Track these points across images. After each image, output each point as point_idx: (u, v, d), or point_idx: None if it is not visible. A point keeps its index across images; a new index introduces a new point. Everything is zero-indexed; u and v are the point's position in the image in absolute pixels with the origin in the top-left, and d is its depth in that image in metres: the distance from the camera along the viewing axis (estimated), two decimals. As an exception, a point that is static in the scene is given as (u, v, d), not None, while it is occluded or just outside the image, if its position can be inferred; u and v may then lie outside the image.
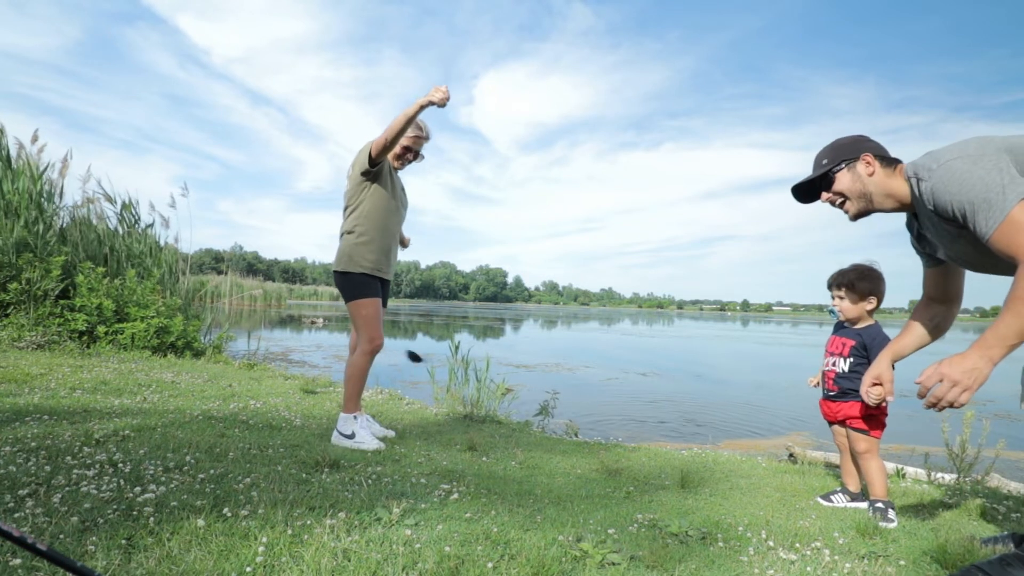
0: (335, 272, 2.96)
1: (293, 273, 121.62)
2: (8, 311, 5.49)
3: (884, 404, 2.12)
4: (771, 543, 1.85)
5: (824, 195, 1.87)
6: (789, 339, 27.19)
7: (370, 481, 2.12)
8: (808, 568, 1.65)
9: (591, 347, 17.20)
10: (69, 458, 1.95)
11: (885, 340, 2.26)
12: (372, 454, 2.64)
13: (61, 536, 1.34)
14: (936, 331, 2.01)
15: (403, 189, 3.17)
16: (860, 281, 2.35)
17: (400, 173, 3.14)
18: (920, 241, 1.92)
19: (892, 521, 2.17)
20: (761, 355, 17.32)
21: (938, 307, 2.00)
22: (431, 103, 2.56)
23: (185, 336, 6.12)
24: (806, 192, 1.91)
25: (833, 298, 2.43)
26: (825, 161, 1.85)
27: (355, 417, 2.85)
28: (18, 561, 1.19)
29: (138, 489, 1.69)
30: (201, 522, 1.46)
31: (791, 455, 4.33)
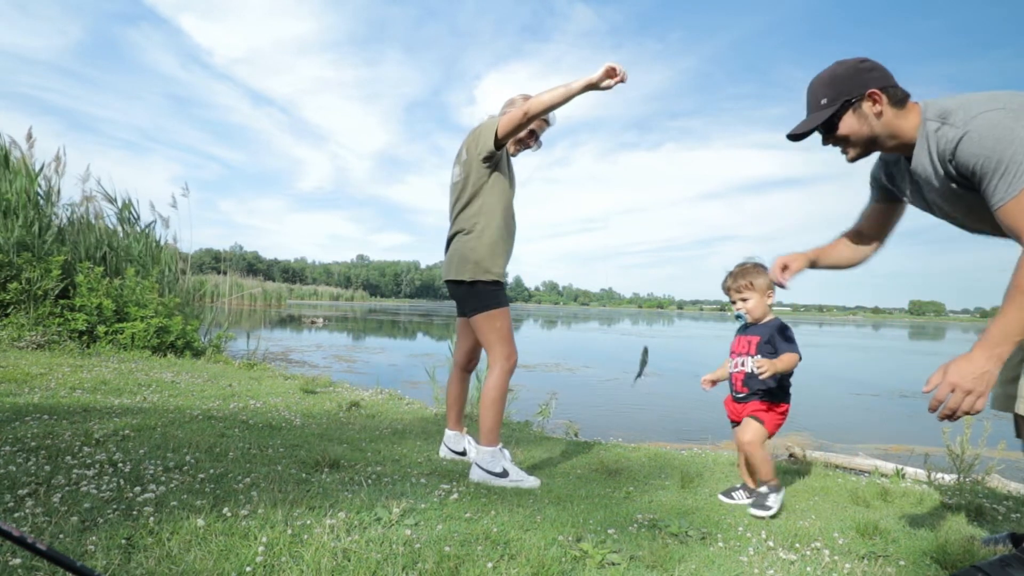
0: (452, 281, 2.48)
1: (293, 273, 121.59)
2: (8, 311, 5.49)
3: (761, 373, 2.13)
4: (771, 543, 1.85)
5: (824, 139, 1.66)
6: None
7: (370, 481, 2.12)
8: (808, 568, 1.65)
9: (591, 347, 17.20)
10: (69, 458, 1.95)
11: (789, 329, 2.23)
12: (371, 454, 2.63)
13: (61, 536, 1.34)
14: (853, 263, 1.97)
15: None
16: (759, 277, 2.28)
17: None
18: (890, 180, 1.82)
19: (769, 509, 2.13)
20: (761, 355, 17.31)
21: (866, 244, 1.95)
22: (606, 80, 2.16)
23: (185, 336, 6.12)
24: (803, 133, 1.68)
25: (734, 301, 2.34)
26: (824, 100, 1.59)
27: (501, 449, 2.47)
28: (18, 561, 1.19)
29: (138, 489, 1.69)
30: (201, 522, 1.46)
31: (791, 455, 4.33)
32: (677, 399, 7.75)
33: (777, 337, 2.25)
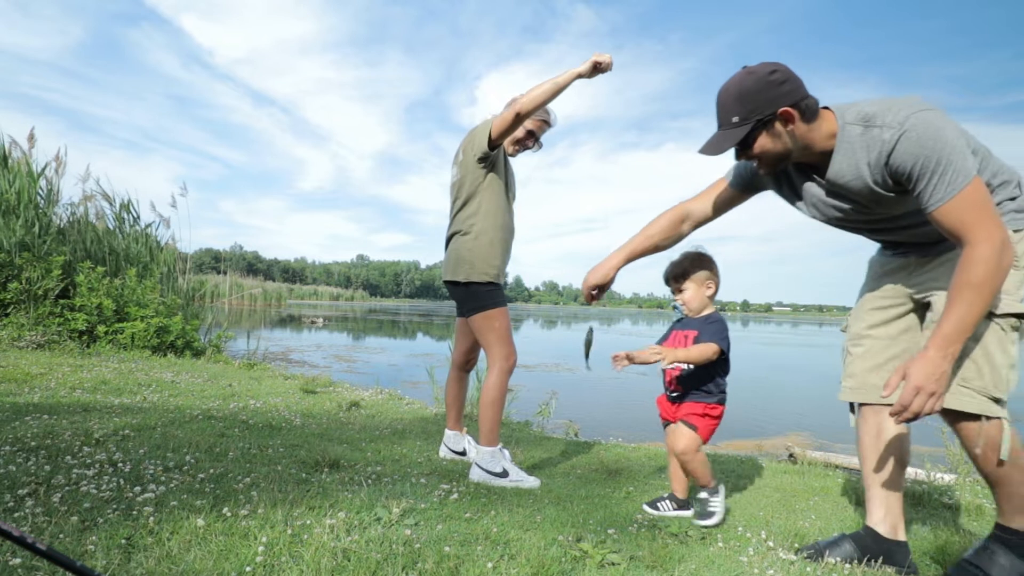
0: (450, 282, 2.50)
1: (293, 273, 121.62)
2: (8, 311, 5.49)
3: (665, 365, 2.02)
4: (771, 543, 1.85)
5: (737, 155, 1.62)
6: (789, 339, 27.20)
7: (370, 481, 2.12)
8: (808, 568, 1.65)
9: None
10: (69, 457, 1.95)
11: (722, 323, 2.11)
12: (371, 454, 2.63)
13: (61, 536, 1.34)
14: (672, 244, 1.98)
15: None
16: (697, 268, 2.14)
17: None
18: (776, 183, 1.77)
19: (713, 515, 2.04)
20: (761, 355, 17.31)
21: (693, 224, 1.95)
22: (592, 70, 2.16)
23: (185, 336, 6.13)
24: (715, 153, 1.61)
25: (673, 292, 2.19)
26: (736, 119, 1.53)
27: (501, 449, 2.48)
28: (18, 561, 1.19)
29: (138, 489, 1.69)
30: (201, 522, 1.46)
31: (791, 455, 4.33)
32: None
33: (707, 332, 2.08)
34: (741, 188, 1.88)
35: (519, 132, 2.51)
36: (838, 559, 1.72)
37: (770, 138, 1.54)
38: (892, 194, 1.51)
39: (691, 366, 2.06)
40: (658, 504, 2.20)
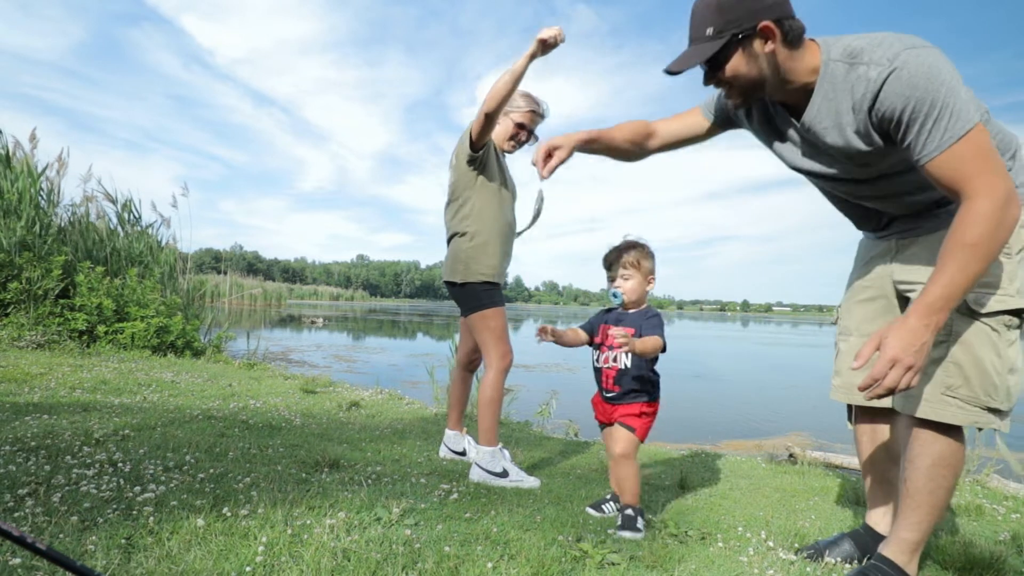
0: (449, 283, 2.53)
1: (293, 273, 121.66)
2: (8, 310, 5.49)
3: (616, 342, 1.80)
4: (771, 543, 1.85)
5: (706, 78, 1.44)
6: (789, 339, 27.20)
7: (370, 481, 2.12)
8: (808, 568, 1.65)
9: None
10: (69, 457, 1.95)
11: (661, 317, 1.99)
12: (371, 454, 2.63)
13: (61, 535, 1.34)
14: (629, 159, 1.79)
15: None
16: (645, 259, 1.99)
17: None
18: (758, 123, 1.59)
19: (640, 532, 1.87)
20: (761, 355, 17.32)
21: (654, 146, 1.76)
22: (540, 47, 2.09)
23: (185, 335, 6.12)
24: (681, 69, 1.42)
25: (614, 279, 2.01)
26: (710, 31, 1.34)
27: (501, 449, 2.48)
28: (18, 560, 1.19)
29: (138, 489, 1.69)
30: (201, 522, 1.46)
31: (791, 455, 4.33)
32: (677, 399, 7.74)
33: (648, 327, 1.96)
34: (713, 118, 1.70)
35: (508, 128, 2.52)
36: (838, 559, 1.72)
37: (745, 59, 1.35)
38: (870, 148, 1.35)
39: (629, 365, 1.96)
40: (602, 506, 2.11)
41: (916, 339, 1.20)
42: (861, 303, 1.74)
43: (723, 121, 1.70)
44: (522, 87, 2.28)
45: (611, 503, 2.12)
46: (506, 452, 2.56)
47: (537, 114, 2.55)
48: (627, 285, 1.98)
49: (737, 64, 1.35)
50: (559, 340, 1.97)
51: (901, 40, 1.26)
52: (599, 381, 2.06)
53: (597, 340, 2.04)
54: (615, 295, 1.98)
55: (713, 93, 1.69)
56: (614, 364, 1.99)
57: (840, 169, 1.47)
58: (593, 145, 1.70)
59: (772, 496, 2.59)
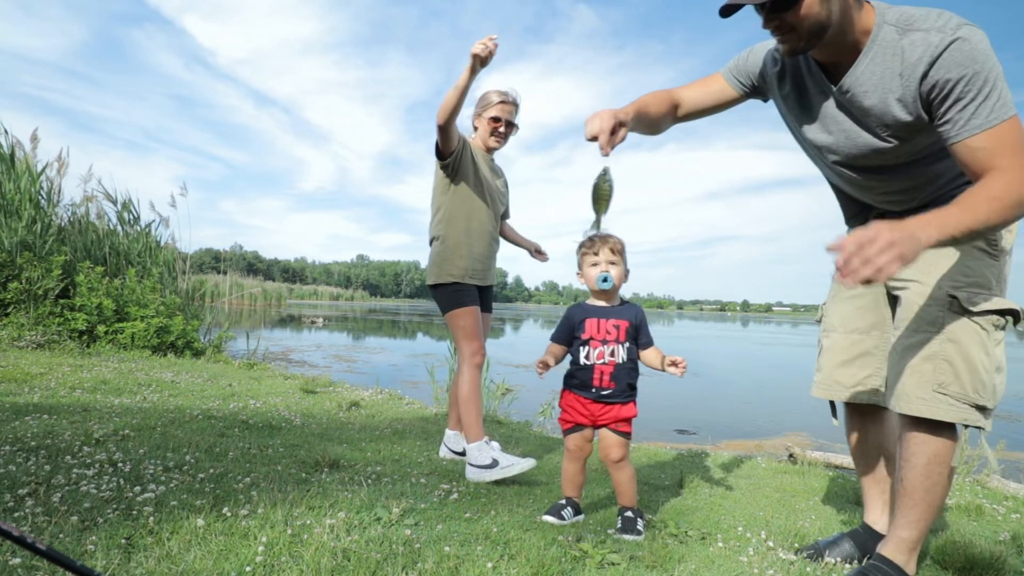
0: (428, 286, 2.66)
1: (293, 273, 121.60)
2: (8, 310, 5.49)
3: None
4: (771, 543, 1.85)
5: (768, 19, 1.33)
6: (789, 339, 27.20)
7: (370, 481, 2.12)
8: (808, 568, 1.65)
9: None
10: (69, 457, 1.95)
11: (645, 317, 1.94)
12: (371, 454, 2.63)
13: (61, 535, 1.34)
14: (666, 121, 1.68)
15: (499, 174, 2.77)
16: (624, 250, 1.92)
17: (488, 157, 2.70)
18: (790, 88, 1.53)
19: (640, 534, 1.83)
20: (761, 355, 17.32)
21: (685, 111, 1.69)
22: (477, 61, 2.11)
23: (185, 336, 6.12)
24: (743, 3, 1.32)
25: (601, 264, 1.87)
26: None
27: (487, 442, 2.47)
28: (18, 560, 1.19)
29: (138, 489, 1.69)
30: (201, 522, 1.46)
31: (791, 455, 4.33)
32: (676, 399, 7.74)
33: (645, 326, 1.92)
34: (739, 86, 1.64)
35: (485, 127, 2.61)
36: (838, 559, 1.72)
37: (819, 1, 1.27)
38: (908, 119, 1.33)
39: (626, 358, 1.88)
40: (561, 512, 1.92)
41: (910, 235, 1.14)
42: (848, 299, 1.73)
43: (750, 90, 1.64)
44: (499, 85, 2.46)
45: (569, 508, 1.96)
46: (494, 443, 2.58)
47: (508, 103, 2.60)
48: (616, 272, 1.88)
49: (811, 3, 1.28)
50: (553, 364, 1.94)
51: (956, 16, 1.26)
52: (586, 379, 1.89)
53: (584, 336, 1.89)
54: (605, 279, 1.86)
55: (737, 60, 1.65)
56: (611, 359, 1.88)
57: (861, 145, 1.44)
58: (639, 118, 1.59)
59: (772, 496, 2.59)
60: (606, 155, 1.47)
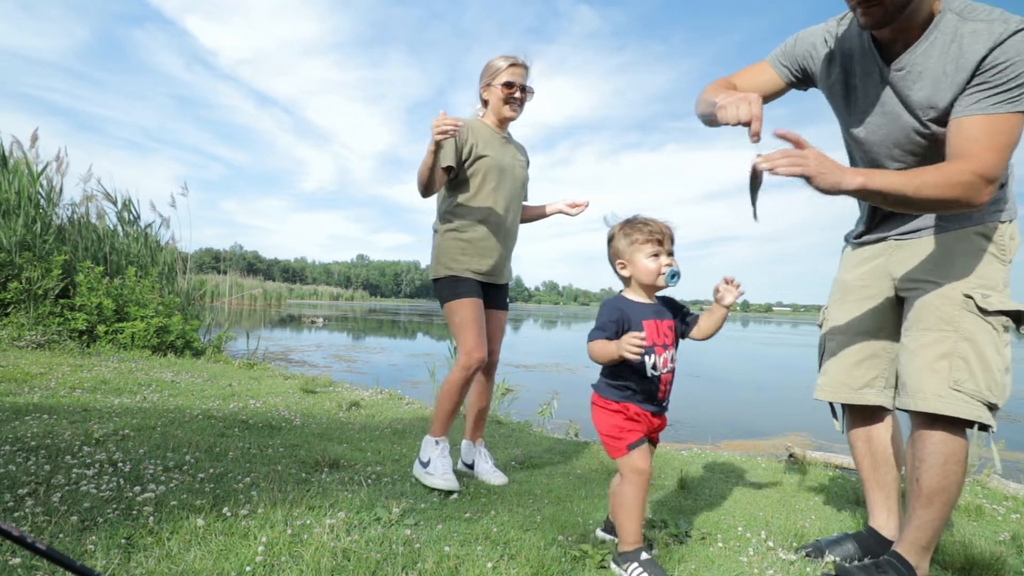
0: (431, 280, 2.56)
1: (293, 273, 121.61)
2: (8, 310, 5.49)
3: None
4: (771, 543, 1.85)
5: None
6: (789, 339, 27.21)
7: (370, 481, 2.12)
8: (808, 568, 1.65)
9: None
10: (69, 457, 1.95)
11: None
12: (371, 454, 2.63)
13: (61, 535, 1.34)
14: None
15: (518, 150, 2.57)
16: None
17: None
18: (834, 72, 1.55)
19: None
20: (761, 355, 17.32)
21: None
22: (437, 141, 2.09)
23: (185, 335, 6.12)
24: None
25: (662, 254, 1.57)
26: None
27: (437, 442, 2.32)
28: (17, 560, 1.19)
29: (138, 488, 1.69)
30: (201, 522, 1.46)
31: (791, 455, 4.33)
32: (676, 399, 7.75)
33: (682, 311, 1.68)
34: (785, 72, 1.64)
35: (497, 96, 2.41)
36: (839, 558, 1.72)
37: None
38: (952, 95, 1.35)
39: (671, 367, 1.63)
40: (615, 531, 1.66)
41: (836, 168, 1.23)
42: (855, 302, 1.73)
43: (796, 78, 1.65)
44: (502, 52, 2.42)
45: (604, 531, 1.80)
46: (445, 447, 2.34)
47: (518, 64, 2.43)
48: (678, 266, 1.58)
49: None
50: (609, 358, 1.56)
51: (1007, 13, 1.31)
52: (652, 391, 1.61)
53: (648, 342, 1.51)
54: (675, 275, 1.56)
55: (784, 46, 1.65)
56: (672, 364, 1.62)
57: (900, 127, 1.46)
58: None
59: (772, 496, 2.59)
60: (758, 141, 1.34)
